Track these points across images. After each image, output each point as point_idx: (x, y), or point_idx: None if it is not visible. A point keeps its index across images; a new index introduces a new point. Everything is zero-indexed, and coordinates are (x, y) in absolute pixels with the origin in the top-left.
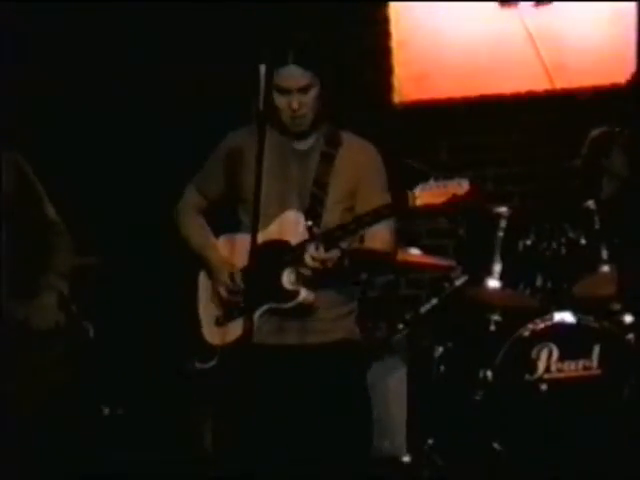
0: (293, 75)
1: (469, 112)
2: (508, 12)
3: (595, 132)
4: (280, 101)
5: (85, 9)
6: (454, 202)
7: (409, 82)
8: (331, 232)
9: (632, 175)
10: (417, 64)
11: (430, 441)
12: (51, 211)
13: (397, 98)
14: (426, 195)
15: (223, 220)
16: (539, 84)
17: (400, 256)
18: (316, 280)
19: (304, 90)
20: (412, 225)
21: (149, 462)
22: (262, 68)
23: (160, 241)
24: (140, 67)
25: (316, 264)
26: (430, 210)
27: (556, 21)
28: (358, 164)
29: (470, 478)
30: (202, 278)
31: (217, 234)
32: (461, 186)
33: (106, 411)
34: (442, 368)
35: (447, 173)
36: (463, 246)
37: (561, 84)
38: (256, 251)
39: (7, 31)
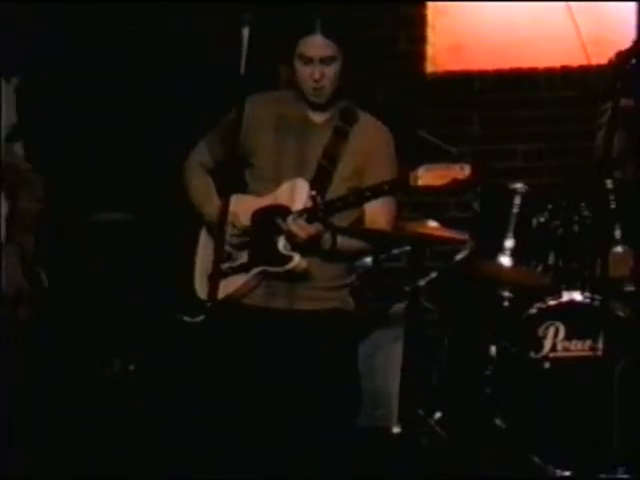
0: (318, 44)
1: (502, 85)
2: None
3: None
4: (302, 70)
5: None
6: (454, 186)
7: (444, 52)
8: (331, 202)
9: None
10: (453, 34)
11: (438, 414)
12: (13, 155)
13: (430, 68)
14: (428, 176)
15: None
16: (575, 59)
17: (413, 228)
18: (307, 249)
19: (327, 61)
20: (440, 196)
21: None
22: (245, 32)
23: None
24: None
25: (293, 234)
26: (430, 191)
27: None
28: (370, 144)
29: (470, 453)
30: (203, 234)
31: None
32: (463, 171)
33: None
34: (446, 342)
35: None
36: (477, 220)
37: (597, 60)
38: (258, 213)
39: None
